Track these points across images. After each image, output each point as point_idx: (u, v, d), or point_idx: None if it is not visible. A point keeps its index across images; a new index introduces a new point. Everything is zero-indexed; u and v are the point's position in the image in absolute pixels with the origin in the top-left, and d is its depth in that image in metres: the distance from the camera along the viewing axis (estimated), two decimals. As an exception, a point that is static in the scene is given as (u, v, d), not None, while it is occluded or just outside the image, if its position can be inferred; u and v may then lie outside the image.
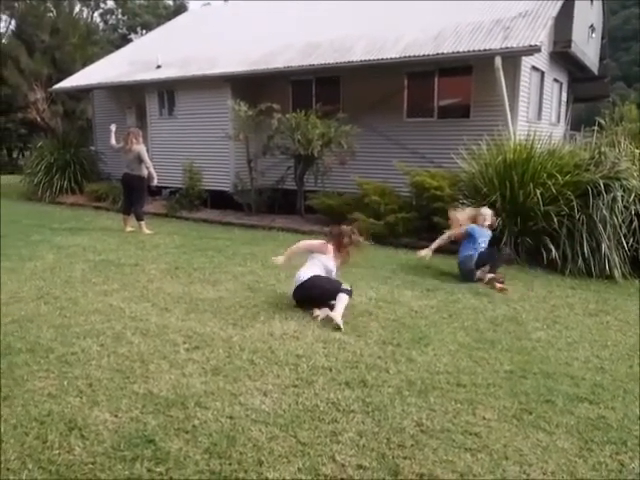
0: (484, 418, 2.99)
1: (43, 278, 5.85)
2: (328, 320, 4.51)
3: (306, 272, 4.89)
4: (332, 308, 4.62)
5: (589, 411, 3.11)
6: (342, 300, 4.62)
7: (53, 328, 4.31)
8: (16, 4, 27.04)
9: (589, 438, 2.83)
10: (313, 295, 4.81)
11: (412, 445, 2.72)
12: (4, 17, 30.87)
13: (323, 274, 4.92)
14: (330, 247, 5.06)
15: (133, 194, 8.99)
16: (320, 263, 4.98)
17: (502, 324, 4.61)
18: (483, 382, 3.44)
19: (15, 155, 27.63)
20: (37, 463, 2.56)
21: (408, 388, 3.34)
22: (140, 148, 8.85)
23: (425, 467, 2.55)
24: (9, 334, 4.16)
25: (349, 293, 4.71)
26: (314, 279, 4.79)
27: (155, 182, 9.16)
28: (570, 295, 5.64)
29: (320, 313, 4.66)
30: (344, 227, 5.20)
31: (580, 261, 6.45)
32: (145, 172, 8.88)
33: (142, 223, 8.93)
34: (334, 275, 5.06)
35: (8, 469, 2.52)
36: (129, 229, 8.96)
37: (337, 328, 4.35)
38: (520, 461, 2.61)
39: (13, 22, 29.19)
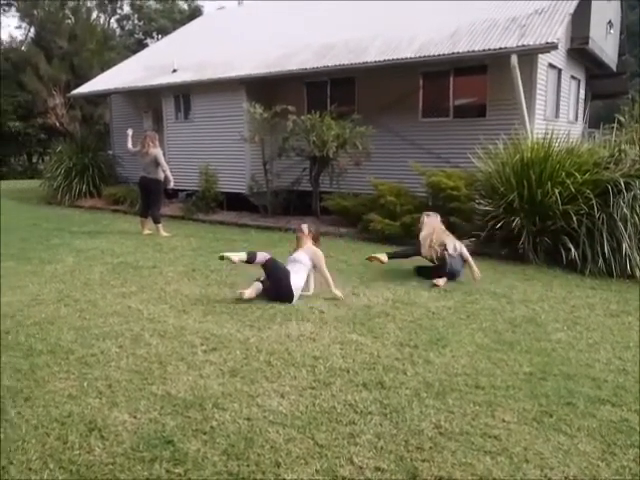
0: (503, 420, 2.96)
1: (63, 281, 5.93)
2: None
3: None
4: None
5: (611, 414, 3.06)
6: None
7: (73, 330, 4.36)
8: (35, 12, 27.48)
9: (612, 441, 2.78)
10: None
11: (430, 447, 2.70)
12: (23, 24, 31.43)
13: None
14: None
15: (150, 197, 9.09)
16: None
17: (521, 325, 4.56)
18: (502, 384, 3.40)
19: (35, 160, 28.06)
20: (58, 463, 2.59)
21: (426, 390, 3.31)
22: (156, 151, 8.94)
23: (444, 470, 2.52)
24: (31, 336, 4.22)
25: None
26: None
27: (172, 185, 9.26)
28: (590, 295, 5.56)
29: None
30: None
31: (600, 261, 6.35)
32: (162, 175, 8.97)
33: (159, 226, 9.01)
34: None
35: (30, 469, 2.55)
36: (147, 232, 9.05)
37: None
38: (541, 464, 2.58)
39: (32, 29, 29.68)
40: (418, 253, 6.15)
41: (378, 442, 2.74)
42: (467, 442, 2.75)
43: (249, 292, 5.11)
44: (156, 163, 8.89)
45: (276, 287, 5.15)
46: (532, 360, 3.80)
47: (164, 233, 8.93)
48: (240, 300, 5.11)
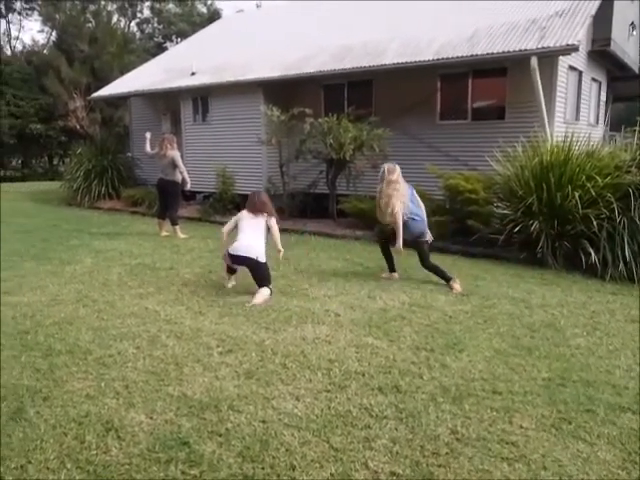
0: (521, 427, 2.92)
1: (82, 281, 6.00)
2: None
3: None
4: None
5: (632, 421, 3.00)
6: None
7: (91, 330, 4.41)
8: (57, 16, 27.95)
9: (632, 450, 2.72)
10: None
11: (447, 453, 2.67)
12: (46, 28, 31.98)
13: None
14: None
15: (167, 199, 9.16)
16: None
17: (539, 330, 4.50)
18: (520, 390, 3.36)
19: (56, 162, 28.53)
20: (75, 463, 2.61)
21: (442, 394, 3.29)
22: (174, 154, 9.00)
23: (460, 476, 2.50)
24: (50, 336, 4.28)
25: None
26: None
27: (188, 187, 9.33)
28: (611, 301, 5.46)
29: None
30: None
31: (621, 265, 6.24)
32: (179, 177, 9.04)
33: (177, 227, 9.08)
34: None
35: (48, 468, 2.58)
36: (164, 233, 9.12)
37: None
38: (559, 472, 2.54)
39: (54, 33, 30.18)
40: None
41: (394, 447, 2.73)
42: (484, 448, 2.71)
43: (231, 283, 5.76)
44: (174, 165, 8.95)
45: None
46: (551, 366, 3.74)
47: (181, 235, 8.99)
48: (256, 303, 5.14)
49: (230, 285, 5.79)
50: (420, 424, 2.94)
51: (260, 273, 5.40)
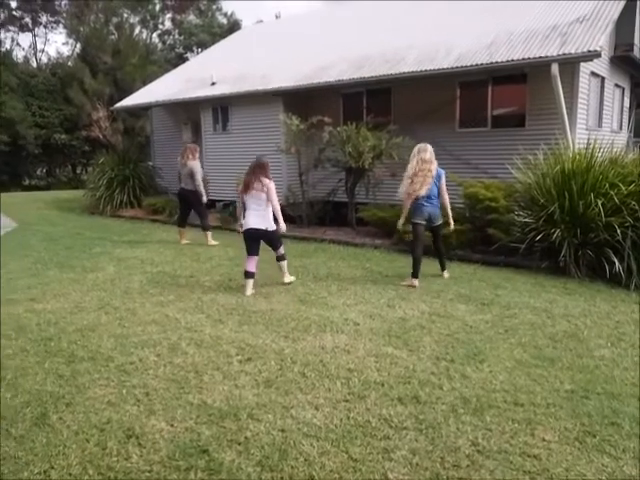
0: (544, 440, 2.87)
1: (104, 289, 6.09)
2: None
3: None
4: None
5: (659, 435, 2.93)
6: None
7: (113, 337, 4.47)
8: (81, 28, 28.56)
9: (659, 464, 2.66)
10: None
11: (467, 465, 2.64)
12: (70, 41, 32.71)
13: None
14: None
15: (194, 208, 9.29)
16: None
17: (562, 341, 4.43)
18: (542, 401, 3.31)
19: (79, 171, 29.05)
20: (97, 469, 2.64)
21: (463, 406, 3.25)
22: (194, 164, 9.07)
23: (481, 489, 2.46)
24: (73, 342, 4.35)
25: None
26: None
27: (204, 200, 9.33)
28: (636, 311, 5.35)
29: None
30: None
31: (646, 275, 6.12)
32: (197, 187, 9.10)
33: (208, 234, 9.18)
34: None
35: (70, 474, 2.61)
36: (184, 241, 9.21)
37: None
38: (583, 486, 2.49)
39: (78, 45, 30.84)
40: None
41: (413, 458, 2.70)
42: (505, 461, 2.68)
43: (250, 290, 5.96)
44: (192, 175, 9.04)
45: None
46: (574, 377, 3.68)
47: (213, 242, 9.08)
48: (275, 311, 5.16)
49: (249, 292, 5.87)
50: (440, 435, 2.91)
51: (273, 240, 6.15)
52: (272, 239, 6.10)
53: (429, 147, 6.42)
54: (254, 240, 6.02)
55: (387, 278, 6.63)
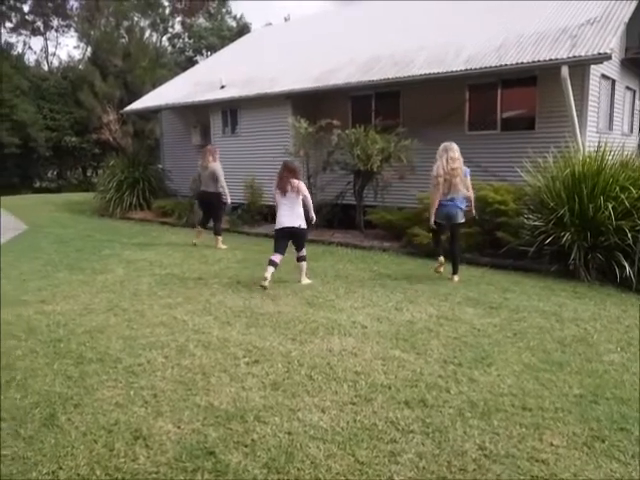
0: (552, 444, 2.85)
1: (113, 291, 6.13)
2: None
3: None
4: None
5: (669, 441, 2.90)
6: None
7: (122, 339, 4.49)
8: (92, 32, 28.82)
9: (669, 471, 2.63)
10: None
11: (474, 470, 2.63)
12: (81, 44, 33.00)
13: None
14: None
15: (211, 211, 9.33)
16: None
17: (571, 345, 4.39)
18: (550, 406, 3.28)
19: (89, 173, 29.28)
20: (104, 470, 2.66)
21: (470, 409, 3.23)
22: (216, 166, 9.13)
23: (488, 493, 2.45)
24: (81, 344, 4.38)
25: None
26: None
27: (228, 201, 9.41)
28: (646, 315, 5.31)
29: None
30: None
31: (657, 279, 6.07)
32: (220, 189, 9.17)
33: (219, 238, 9.22)
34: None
35: (78, 474, 2.63)
36: (195, 241, 9.24)
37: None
38: (592, 492, 2.47)
39: (89, 49, 31.11)
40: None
41: (420, 462, 2.69)
42: (513, 465, 2.66)
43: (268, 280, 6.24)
44: (214, 178, 9.07)
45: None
46: (583, 382, 3.65)
47: (222, 246, 9.13)
48: (283, 314, 5.17)
49: (267, 282, 6.18)
50: (447, 439, 2.90)
51: (301, 238, 6.57)
52: (301, 237, 6.55)
53: (455, 145, 6.54)
54: (285, 238, 6.51)
55: (395, 281, 6.61)
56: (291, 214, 6.43)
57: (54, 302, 5.63)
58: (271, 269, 6.30)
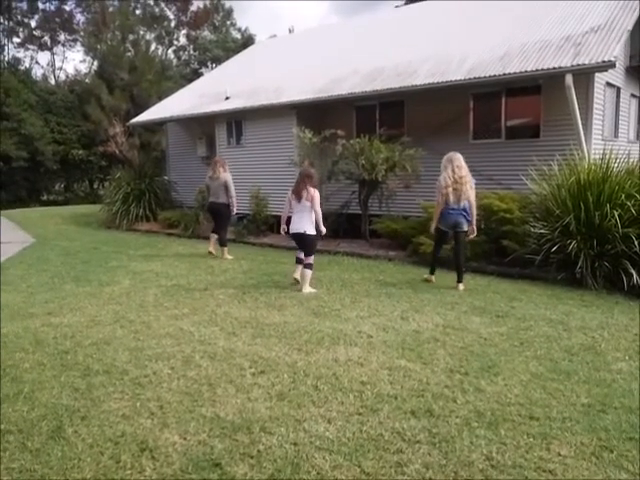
0: (559, 454, 2.82)
1: (119, 302, 6.15)
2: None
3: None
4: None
5: (679, 450, 2.86)
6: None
7: (128, 351, 4.50)
8: (98, 46, 29.14)
9: (679, 480, 2.60)
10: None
11: (481, 480, 2.61)
12: (88, 58, 33.37)
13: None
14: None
15: (220, 220, 9.42)
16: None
17: (578, 354, 4.37)
18: (558, 415, 3.26)
19: (96, 186, 29.48)
20: (111, 482, 2.66)
21: (477, 419, 3.22)
22: (227, 177, 9.25)
23: (496, 504, 2.43)
24: (88, 356, 4.39)
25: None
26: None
27: (234, 211, 9.53)
28: (654, 323, 5.27)
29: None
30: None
31: (665, 286, 6.03)
32: (229, 200, 9.27)
33: (225, 249, 9.29)
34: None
35: (84, 487, 2.63)
36: (211, 249, 9.34)
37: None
38: (601, 503, 2.44)
39: (95, 62, 31.45)
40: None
41: (426, 472, 2.68)
42: (520, 476, 2.64)
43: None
44: (225, 188, 9.18)
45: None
46: (590, 391, 3.62)
47: (228, 256, 9.18)
48: (289, 324, 5.17)
49: (295, 276, 6.88)
50: (454, 449, 2.88)
51: (307, 243, 6.72)
52: (307, 243, 6.70)
53: (459, 155, 6.69)
54: (297, 243, 6.87)
55: (401, 290, 6.60)
56: (300, 219, 6.65)
57: (61, 314, 5.66)
58: (299, 266, 6.85)
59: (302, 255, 6.75)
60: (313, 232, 6.68)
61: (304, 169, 7.13)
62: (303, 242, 6.72)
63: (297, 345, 4.58)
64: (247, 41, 35.80)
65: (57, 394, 3.65)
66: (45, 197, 27.57)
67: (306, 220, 6.64)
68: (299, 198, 6.65)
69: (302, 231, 6.63)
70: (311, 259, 6.69)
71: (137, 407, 3.44)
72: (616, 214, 6.47)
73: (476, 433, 3.05)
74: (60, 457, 2.87)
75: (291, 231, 6.76)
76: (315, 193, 6.65)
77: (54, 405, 3.48)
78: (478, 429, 3.09)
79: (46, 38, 35.05)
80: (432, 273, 7.05)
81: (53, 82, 33.70)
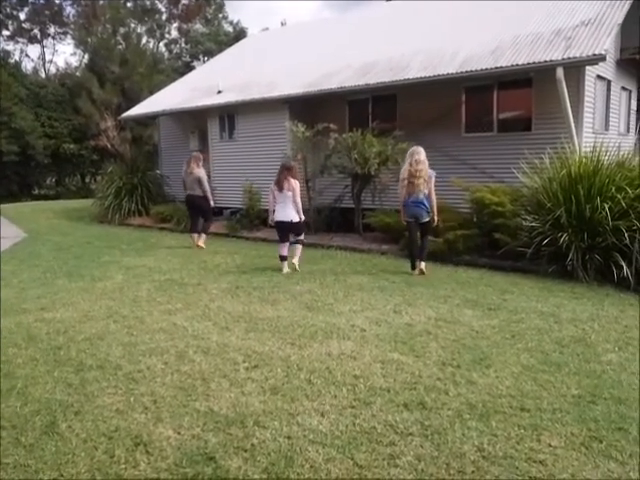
0: (550, 445, 2.86)
1: (112, 298, 6.14)
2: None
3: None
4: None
5: (666, 440, 2.91)
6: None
7: (121, 346, 4.50)
8: (89, 39, 28.88)
9: (667, 470, 2.64)
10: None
11: (473, 471, 2.64)
12: (78, 51, 33.08)
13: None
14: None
15: (200, 212, 9.70)
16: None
17: (569, 345, 4.41)
18: (549, 407, 3.30)
19: (88, 180, 29.30)
20: (105, 477, 2.67)
21: (469, 411, 3.25)
22: (199, 172, 9.50)
23: (487, 495, 2.46)
24: (82, 351, 4.39)
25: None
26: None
27: (212, 204, 9.85)
28: (644, 315, 5.32)
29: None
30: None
31: (655, 278, 6.09)
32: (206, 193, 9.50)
33: (203, 237, 9.61)
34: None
35: (79, 482, 2.64)
36: (201, 244, 9.50)
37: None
38: (590, 492, 2.48)
39: (86, 56, 31.19)
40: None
41: (419, 464, 2.71)
42: (511, 467, 2.67)
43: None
44: (199, 183, 9.44)
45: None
46: (581, 382, 3.66)
47: (201, 244, 9.47)
48: (282, 318, 5.19)
49: (285, 271, 7.24)
50: (446, 441, 2.91)
51: (295, 229, 7.41)
52: (296, 229, 7.41)
53: (421, 149, 7.05)
54: (282, 230, 7.37)
55: (394, 284, 6.63)
56: (284, 209, 7.26)
57: (54, 309, 5.65)
58: (284, 263, 7.34)
59: (284, 252, 7.36)
60: (297, 219, 7.33)
61: (285, 161, 7.87)
62: (291, 228, 7.35)
63: (290, 339, 4.60)
64: (239, 34, 35.57)
65: (50, 389, 3.66)
66: (36, 191, 27.36)
67: (290, 209, 7.26)
68: (280, 189, 7.23)
69: (289, 220, 7.27)
70: (302, 237, 7.46)
71: (131, 402, 3.46)
72: (606, 207, 6.51)
73: (468, 425, 3.08)
74: (54, 452, 2.88)
75: (276, 219, 7.35)
76: (296, 184, 7.22)
77: (47, 400, 3.49)
78: (470, 421, 3.13)
79: (36, 31, 34.66)
80: (412, 266, 7.21)
81: (43, 75, 33.36)
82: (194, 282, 6.87)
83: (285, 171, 7.29)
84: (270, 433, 3.03)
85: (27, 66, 33.93)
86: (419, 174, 6.85)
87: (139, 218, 13.71)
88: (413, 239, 7.23)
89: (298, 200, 7.28)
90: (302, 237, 7.48)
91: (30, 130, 23.87)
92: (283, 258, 7.35)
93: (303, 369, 3.93)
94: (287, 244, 7.40)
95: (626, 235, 6.33)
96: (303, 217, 7.45)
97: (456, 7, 12.28)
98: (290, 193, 7.19)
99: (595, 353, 4.24)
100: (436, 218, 7.16)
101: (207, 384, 3.71)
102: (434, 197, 7.08)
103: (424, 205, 6.99)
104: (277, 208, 7.34)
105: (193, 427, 3.12)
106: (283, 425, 3.11)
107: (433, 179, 7.03)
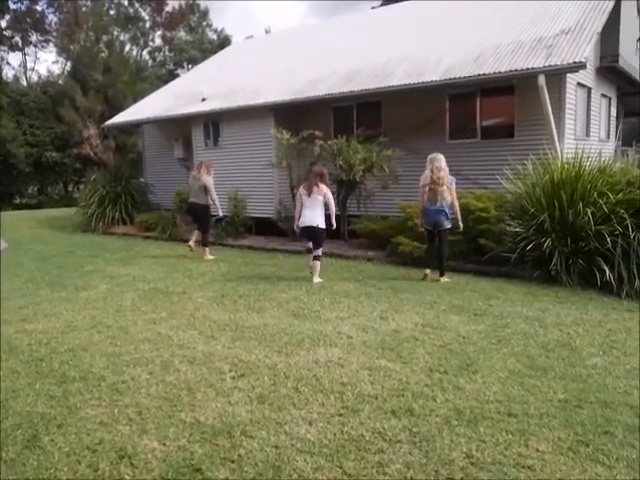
0: (537, 450, 2.87)
1: (96, 307, 6.05)
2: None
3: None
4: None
5: (652, 443, 2.93)
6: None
7: (105, 357, 4.43)
8: (72, 47, 28.65)
9: (653, 473, 2.66)
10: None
11: (462, 478, 2.63)
12: (60, 59, 32.80)
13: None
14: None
15: (200, 222, 9.62)
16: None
17: (555, 350, 4.44)
18: (536, 412, 3.31)
19: (71, 188, 28.96)
20: (89, 491, 2.61)
21: (456, 417, 3.24)
22: (208, 180, 9.40)
23: (476, 502, 2.45)
24: (64, 362, 4.31)
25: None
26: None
27: (220, 214, 9.83)
28: (627, 318, 5.38)
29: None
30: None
31: (637, 282, 6.16)
32: (210, 202, 9.47)
33: (206, 249, 9.44)
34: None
35: (61, 497, 2.58)
36: (209, 257, 9.33)
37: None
38: (578, 497, 2.48)
39: (69, 63, 30.93)
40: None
41: (407, 472, 2.69)
42: (500, 472, 2.67)
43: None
44: (205, 190, 9.35)
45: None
46: (567, 387, 3.68)
47: (209, 256, 9.29)
48: (268, 326, 5.15)
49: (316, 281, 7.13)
50: (434, 448, 2.90)
51: (319, 237, 7.24)
52: (318, 236, 7.21)
53: (441, 156, 7.06)
54: (309, 235, 7.26)
55: (380, 291, 6.63)
56: (312, 213, 7.13)
57: (35, 320, 5.55)
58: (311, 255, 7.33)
59: (319, 251, 7.24)
60: (324, 226, 7.18)
61: (317, 168, 7.87)
62: (314, 235, 7.18)
63: (277, 347, 4.57)
64: (223, 42, 35.56)
65: (32, 402, 3.58)
66: (18, 200, 26.96)
67: (318, 214, 7.14)
68: (310, 193, 7.15)
69: (315, 224, 7.12)
70: (320, 251, 7.22)
71: (115, 414, 3.40)
72: (589, 212, 6.59)
73: (456, 431, 3.08)
74: (36, 467, 2.82)
75: (302, 224, 7.20)
76: (327, 190, 7.21)
77: (29, 413, 3.41)
78: (458, 427, 3.12)
79: (17, 38, 34.26)
80: (427, 268, 7.25)
81: (25, 83, 33.00)
82: (179, 291, 6.80)
83: (317, 177, 7.26)
84: (257, 443, 2.99)
85: (8, 74, 33.52)
86: (441, 181, 6.84)
87: (123, 226, 13.57)
88: (434, 247, 7.22)
89: (332, 204, 7.26)
90: (320, 252, 7.24)
91: (11, 138, 23.57)
92: (310, 250, 7.31)
93: (290, 377, 3.90)
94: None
95: (608, 240, 6.40)
96: (334, 224, 7.32)
97: (440, 15, 12.42)
98: (320, 197, 7.13)
99: (580, 357, 4.27)
100: (461, 224, 7.12)
101: (193, 394, 3.66)
102: (457, 203, 7.08)
103: (445, 212, 6.95)
104: (304, 213, 7.20)
105: (179, 438, 3.07)
106: (270, 434, 3.08)
107: (454, 185, 7.02)
